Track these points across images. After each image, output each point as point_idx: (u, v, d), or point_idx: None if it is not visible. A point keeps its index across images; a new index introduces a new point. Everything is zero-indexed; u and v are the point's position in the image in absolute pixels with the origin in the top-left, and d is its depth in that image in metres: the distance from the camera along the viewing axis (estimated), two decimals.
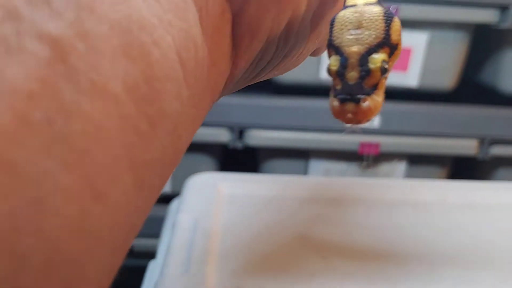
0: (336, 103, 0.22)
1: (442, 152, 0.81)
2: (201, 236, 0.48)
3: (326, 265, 0.45)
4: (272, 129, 0.80)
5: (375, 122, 0.79)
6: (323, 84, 0.80)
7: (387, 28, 0.22)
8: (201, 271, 0.43)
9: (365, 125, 0.23)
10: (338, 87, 0.22)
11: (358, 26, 0.22)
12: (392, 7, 0.56)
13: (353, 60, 0.22)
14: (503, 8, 0.74)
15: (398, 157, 0.83)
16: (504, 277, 0.44)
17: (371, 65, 0.22)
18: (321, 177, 0.84)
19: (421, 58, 0.77)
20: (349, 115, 0.22)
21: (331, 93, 0.22)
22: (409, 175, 0.85)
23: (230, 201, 0.56)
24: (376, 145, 0.80)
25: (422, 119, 0.80)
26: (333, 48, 0.23)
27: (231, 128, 0.80)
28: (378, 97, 0.22)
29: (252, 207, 0.55)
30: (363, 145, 0.80)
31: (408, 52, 0.77)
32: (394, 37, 0.23)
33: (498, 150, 0.82)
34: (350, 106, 0.21)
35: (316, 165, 0.84)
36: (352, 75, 0.22)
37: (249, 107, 0.78)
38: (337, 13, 0.23)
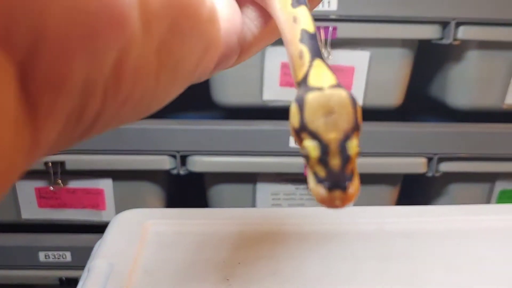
0: (323, 190, 0.22)
1: (391, 172, 0.79)
2: (114, 283, 0.45)
3: None
4: (216, 154, 0.77)
5: None
6: (267, 106, 0.77)
7: (355, 113, 0.23)
8: None
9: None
10: (322, 174, 0.22)
11: (330, 111, 0.23)
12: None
13: (334, 147, 0.22)
14: (444, 24, 0.73)
15: None
16: None
17: (350, 151, 0.22)
18: (261, 208, 0.82)
19: (364, 76, 0.75)
20: (337, 202, 0.22)
21: (312, 179, 0.23)
22: (359, 195, 0.82)
23: (154, 241, 0.53)
24: None
25: (368, 139, 0.78)
26: (308, 133, 0.23)
27: (173, 155, 0.77)
28: (357, 180, 0.23)
29: (178, 246, 0.53)
30: None
31: (351, 70, 0.75)
32: (360, 120, 0.24)
33: (447, 167, 0.80)
34: (337, 193, 0.22)
35: (263, 188, 0.81)
36: (336, 162, 0.22)
37: (191, 132, 0.76)
38: (305, 95, 0.23)
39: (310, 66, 0.25)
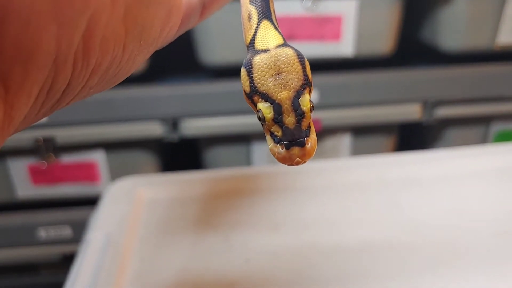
0: (281, 149, 0.23)
1: (385, 120, 0.79)
2: (111, 255, 0.44)
3: (248, 269, 0.42)
4: (208, 116, 0.76)
5: (314, 97, 0.75)
6: None
7: (303, 69, 0.24)
8: None
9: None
10: (278, 133, 0.23)
11: (278, 71, 0.23)
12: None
13: (287, 105, 0.23)
14: None
15: (342, 130, 0.80)
16: (435, 262, 0.41)
17: (303, 108, 0.23)
18: (256, 166, 0.81)
19: (353, 25, 0.73)
20: (297, 159, 0.23)
21: (270, 140, 0.23)
22: (355, 147, 0.82)
23: (149, 209, 0.52)
24: (317, 121, 0.76)
25: (361, 89, 0.76)
26: (260, 95, 0.23)
27: (163, 120, 0.76)
28: (313, 135, 0.23)
29: (174, 211, 0.52)
30: None
31: (338, 20, 0.73)
32: (310, 76, 0.24)
33: (442, 112, 0.79)
34: (296, 150, 0.22)
35: (259, 148, 0.80)
36: (290, 120, 0.23)
37: (180, 96, 0.74)
38: (252, 59, 0.24)
39: (257, 28, 0.26)
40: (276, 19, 0.28)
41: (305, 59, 0.25)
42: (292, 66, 0.24)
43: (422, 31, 0.86)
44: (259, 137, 0.80)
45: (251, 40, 0.27)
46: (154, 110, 0.74)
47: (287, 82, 0.23)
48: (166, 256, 0.44)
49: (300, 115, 0.23)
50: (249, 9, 0.28)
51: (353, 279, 0.40)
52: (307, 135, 0.23)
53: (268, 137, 0.24)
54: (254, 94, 0.24)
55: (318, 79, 0.75)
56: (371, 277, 0.40)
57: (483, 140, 0.85)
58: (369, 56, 0.77)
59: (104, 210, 0.51)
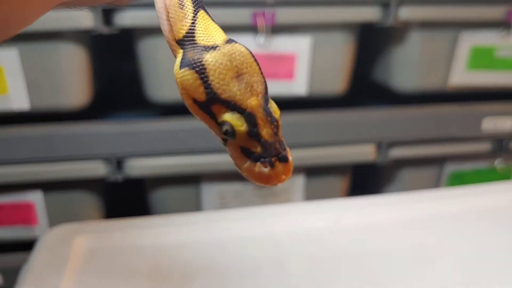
0: (264, 168, 0.19)
1: (340, 161, 0.76)
2: None
3: None
4: (155, 155, 0.72)
5: None
6: None
7: (260, 70, 0.20)
8: None
9: None
10: (257, 149, 0.19)
11: (238, 72, 0.19)
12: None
13: (260, 114, 0.19)
14: (384, 5, 0.70)
15: (295, 171, 0.77)
16: None
17: (276, 115, 0.20)
18: (207, 212, 0.77)
19: (307, 64, 0.72)
20: (284, 177, 0.19)
21: (243, 159, 0.19)
22: (308, 189, 0.79)
23: (88, 259, 0.47)
24: None
25: (315, 128, 0.74)
26: (223, 104, 0.19)
27: (107, 159, 0.71)
28: (286, 145, 0.20)
29: (115, 261, 0.47)
30: None
31: (292, 58, 0.71)
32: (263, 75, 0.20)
33: (396, 153, 0.78)
34: (281, 167, 0.19)
35: (209, 189, 0.77)
36: (268, 132, 0.19)
37: (125, 134, 0.70)
38: (202, 58, 0.19)
39: (195, 18, 0.21)
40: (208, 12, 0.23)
41: (256, 59, 0.21)
42: (251, 67, 0.20)
43: (375, 71, 0.85)
44: (209, 177, 0.76)
45: (187, 33, 0.21)
46: (97, 148, 0.70)
47: (252, 86, 0.20)
48: None
49: (274, 124, 0.20)
50: None
51: None
52: (285, 146, 0.20)
53: (239, 156, 0.20)
54: (214, 102, 0.19)
55: None
56: None
57: (437, 181, 0.84)
58: (322, 95, 0.75)
59: (38, 260, 0.46)
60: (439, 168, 0.83)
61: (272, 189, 0.78)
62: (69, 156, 0.70)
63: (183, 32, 0.21)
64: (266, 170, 0.19)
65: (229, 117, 0.19)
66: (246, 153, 0.19)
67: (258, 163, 0.19)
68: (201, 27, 0.21)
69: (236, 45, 0.21)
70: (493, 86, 0.79)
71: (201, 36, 0.21)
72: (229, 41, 0.21)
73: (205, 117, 0.20)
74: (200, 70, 0.19)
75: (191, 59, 0.20)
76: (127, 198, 0.85)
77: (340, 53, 0.73)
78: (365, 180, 0.88)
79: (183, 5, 0.22)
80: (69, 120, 0.69)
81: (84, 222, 0.54)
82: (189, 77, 0.19)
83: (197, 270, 0.46)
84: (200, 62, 0.19)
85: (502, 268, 0.47)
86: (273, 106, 0.20)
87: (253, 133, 0.19)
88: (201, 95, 0.19)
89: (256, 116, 0.19)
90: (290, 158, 0.20)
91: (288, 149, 0.20)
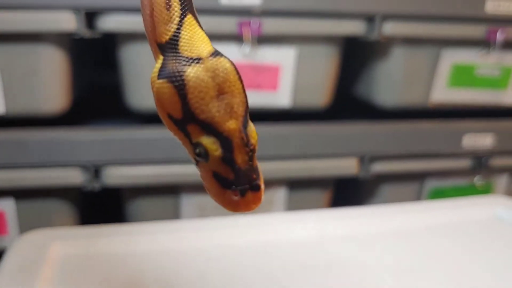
0: (235, 197, 0.18)
1: (322, 174, 0.76)
2: None
3: None
4: (134, 164, 0.70)
5: None
6: None
7: (243, 88, 0.19)
8: None
9: None
10: (229, 175, 0.18)
11: (219, 91, 0.18)
12: None
13: (237, 140, 0.18)
14: (369, 19, 0.70)
15: (277, 183, 0.76)
16: None
17: (253, 140, 0.18)
18: (185, 220, 0.75)
19: (291, 76, 0.71)
20: (253, 206, 0.19)
21: (214, 184, 0.18)
22: (290, 202, 0.78)
23: (62, 266, 0.45)
24: None
25: (297, 141, 0.74)
26: (200, 125, 0.18)
27: (84, 167, 0.69)
28: (260, 171, 0.19)
29: (91, 269, 0.45)
30: None
31: (276, 70, 0.71)
32: (245, 93, 0.19)
33: (378, 167, 0.78)
34: (251, 196, 0.18)
35: (188, 201, 0.75)
36: (243, 159, 0.18)
37: (103, 141, 0.68)
38: (184, 71, 0.18)
39: (181, 23, 0.20)
40: (197, 15, 0.22)
41: (241, 77, 0.20)
42: (234, 86, 0.19)
43: (358, 85, 0.85)
44: (189, 188, 0.74)
45: (171, 39, 0.20)
46: (73, 155, 0.67)
47: (232, 108, 0.18)
48: None
49: (251, 150, 0.18)
50: None
51: None
52: (258, 174, 0.19)
53: (210, 180, 0.19)
54: (190, 122, 0.18)
55: None
56: None
57: (417, 196, 0.84)
58: (305, 108, 0.75)
59: (8, 267, 0.44)
60: (420, 184, 0.84)
61: None
62: (45, 163, 0.67)
63: (166, 37, 0.20)
64: (236, 198, 0.19)
65: (204, 139, 0.18)
66: (218, 178, 0.19)
67: (229, 191, 0.19)
68: (186, 35, 0.20)
69: (221, 59, 0.20)
70: (473, 104, 0.80)
71: (185, 45, 0.20)
72: (215, 53, 0.20)
73: (178, 134, 0.20)
74: (180, 86, 0.18)
75: (171, 71, 0.19)
76: (103, 208, 0.83)
77: (324, 66, 0.73)
78: (347, 194, 0.87)
79: (170, 5, 0.21)
80: (46, 125, 0.67)
81: (58, 228, 0.52)
82: (167, 91, 0.19)
83: (175, 279, 0.44)
84: (180, 76, 0.18)
85: (481, 282, 0.46)
86: (251, 130, 0.19)
87: (227, 159, 0.18)
88: (177, 112, 0.18)
89: (232, 141, 0.18)
90: (262, 186, 0.19)
91: (261, 174, 0.19)
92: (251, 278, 0.45)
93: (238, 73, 0.20)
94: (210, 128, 0.18)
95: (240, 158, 0.18)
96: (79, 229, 0.52)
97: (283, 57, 0.70)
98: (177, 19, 0.20)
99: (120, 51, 0.68)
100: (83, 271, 0.45)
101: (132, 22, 0.63)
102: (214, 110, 0.18)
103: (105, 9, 0.63)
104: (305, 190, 0.79)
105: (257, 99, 0.71)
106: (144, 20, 0.21)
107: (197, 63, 0.19)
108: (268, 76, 0.70)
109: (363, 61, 0.82)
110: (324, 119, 0.77)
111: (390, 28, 0.71)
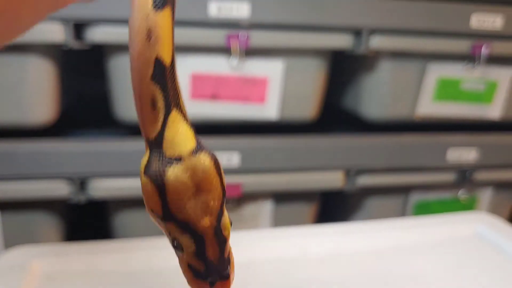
0: (204, 286, 0.20)
1: (308, 187, 0.76)
2: None
3: None
4: (120, 176, 0.70)
5: (234, 160, 0.72)
6: None
7: (221, 181, 0.20)
8: None
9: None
10: (200, 267, 0.20)
11: (197, 188, 0.19)
12: None
13: (210, 236, 0.20)
14: (356, 33, 0.71)
15: (263, 196, 0.76)
16: None
17: (225, 233, 0.20)
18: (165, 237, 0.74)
19: (279, 88, 0.72)
20: None
21: (188, 272, 0.20)
22: (276, 215, 0.78)
23: (47, 284, 0.45)
24: (237, 186, 0.72)
25: (284, 153, 0.74)
26: (176, 224, 0.20)
27: (70, 179, 0.68)
28: (232, 258, 0.21)
29: (70, 287, 0.45)
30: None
31: (264, 82, 0.71)
32: (224, 182, 0.21)
33: (364, 181, 0.78)
34: (219, 285, 0.20)
35: None
36: (214, 253, 0.20)
37: (90, 153, 0.68)
38: (164, 173, 0.19)
39: (165, 122, 0.21)
40: (183, 103, 0.22)
41: (220, 165, 0.21)
42: (211, 184, 0.20)
43: (345, 98, 0.86)
44: None
45: (156, 138, 0.21)
46: (59, 167, 0.67)
47: (208, 204, 0.20)
48: None
49: (223, 242, 0.20)
50: (152, 91, 0.21)
51: None
52: (229, 263, 0.21)
53: (185, 268, 0.21)
54: (168, 220, 0.20)
55: (240, 142, 0.72)
56: None
57: (402, 210, 0.85)
58: (293, 121, 0.75)
59: None
60: (404, 197, 0.84)
61: (239, 215, 0.76)
62: (30, 175, 0.66)
63: (152, 136, 0.21)
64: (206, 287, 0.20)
65: (180, 236, 0.20)
66: (191, 268, 0.20)
67: (200, 281, 0.21)
68: (170, 134, 0.21)
69: (201, 156, 0.20)
70: (458, 117, 0.81)
71: (168, 145, 0.21)
72: (196, 150, 0.21)
73: (159, 224, 0.21)
74: (160, 187, 0.20)
75: (154, 170, 0.20)
76: (89, 221, 0.82)
77: (312, 78, 0.73)
78: (333, 207, 0.88)
79: (155, 104, 0.21)
80: (32, 136, 0.66)
81: (42, 245, 0.51)
82: (149, 189, 0.20)
83: None
84: (161, 177, 0.20)
85: None
86: (225, 222, 0.21)
87: (200, 254, 0.20)
88: (158, 210, 0.20)
89: (205, 238, 0.20)
90: (231, 275, 0.21)
91: (232, 261, 0.21)
92: None
93: (217, 167, 0.21)
94: (186, 227, 0.20)
95: (211, 253, 0.20)
96: (63, 246, 0.51)
97: (271, 70, 0.70)
98: (162, 117, 0.21)
99: (108, 62, 0.68)
100: None
101: (120, 34, 0.63)
102: (190, 210, 0.20)
103: (93, 21, 0.63)
104: (291, 204, 0.79)
105: (245, 111, 0.71)
106: (136, 110, 0.23)
107: (177, 163, 0.20)
108: (256, 88, 0.71)
109: (350, 74, 0.83)
110: (312, 131, 0.77)
111: (377, 42, 0.72)
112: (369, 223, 0.61)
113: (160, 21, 0.20)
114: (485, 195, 0.88)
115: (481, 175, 0.83)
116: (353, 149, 0.77)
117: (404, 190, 0.84)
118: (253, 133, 0.74)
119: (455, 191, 0.86)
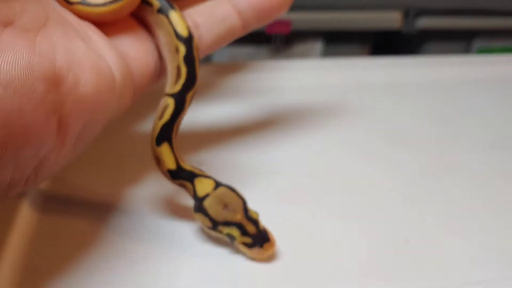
0: (257, 250, 0.31)
1: (362, 27, 0.71)
2: None
3: None
4: None
5: None
6: None
7: (239, 195, 0.31)
8: None
9: None
10: (249, 241, 0.30)
11: (225, 204, 0.31)
12: None
13: (245, 221, 0.30)
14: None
15: (313, 35, 0.72)
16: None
17: (255, 217, 0.31)
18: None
19: None
20: (271, 249, 0.31)
21: (245, 248, 0.31)
22: (326, 55, 0.74)
23: None
24: (287, 23, 0.68)
25: None
26: (222, 224, 0.30)
27: None
28: (268, 229, 0.31)
29: None
30: (271, 24, 0.68)
31: None
32: (242, 196, 0.32)
33: (424, 22, 0.72)
34: (267, 245, 0.30)
35: (219, 50, 0.72)
36: (252, 228, 0.30)
37: None
38: (203, 205, 0.31)
39: (193, 183, 0.31)
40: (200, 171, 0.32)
41: (234, 188, 0.32)
42: (233, 198, 0.31)
43: None
44: None
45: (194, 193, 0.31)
46: None
47: (235, 208, 0.30)
48: None
49: (255, 222, 0.31)
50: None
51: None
52: (267, 232, 0.31)
53: (243, 247, 0.31)
54: (217, 225, 0.30)
55: None
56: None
57: None
58: None
59: None
60: (467, 43, 0.78)
61: (288, 55, 0.73)
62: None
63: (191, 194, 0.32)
64: (258, 250, 0.30)
65: (228, 230, 0.30)
66: (245, 244, 0.30)
67: (253, 249, 0.30)
68: (199, 188, 0.31)
69: (221, 188, 0.31)
70: None
71: (200, 192, 0.31)
72: (216, 186, 0.31)
73: (217, 234, 0.31)
74: (204, 212, 0.31)
75: (197, 207, 0.31)
76: None
77: None
78: (387, 50, 0.83)
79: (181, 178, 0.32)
80: None
81: None
82: (200, 217, 0.31)
83: None
84: (202, 207, 0.31)
85: None
86: (252, 213, 0.31)
87: (244, 233, 0.30)
88: (209, 224, 0.31)
89: (243, 223, 0.30)
90: (271, 236, 0.31)
91: (270, 232, 0.31)
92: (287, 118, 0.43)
93: (233, 190, 0.31)
94: (229, 223, 0.30)
95: (251, 229, 0.30)
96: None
97: None
98: (190, 185, 0.32)
99: None
100: None
101: None
102: (225, 215, 0.30)
103: None
104: (342, 44, 0.74)
105: None
106: None
107: (207, 196, 0.31)
108: None
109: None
110: None
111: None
112: (430, 57, 0.57)
113: (160, 151, 0.31)
114: None
115: None
116: None
117: (467, 35, 0.77)
118: None
119: None
